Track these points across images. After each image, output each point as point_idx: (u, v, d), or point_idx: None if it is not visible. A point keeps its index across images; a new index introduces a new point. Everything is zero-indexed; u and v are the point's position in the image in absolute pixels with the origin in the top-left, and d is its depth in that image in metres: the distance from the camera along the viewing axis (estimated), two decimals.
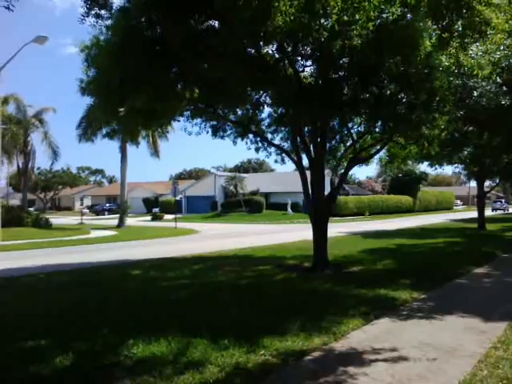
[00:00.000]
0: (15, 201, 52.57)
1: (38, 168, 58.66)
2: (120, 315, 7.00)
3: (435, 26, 9.26)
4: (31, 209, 48.73)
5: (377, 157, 13.94)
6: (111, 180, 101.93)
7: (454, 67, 9.91)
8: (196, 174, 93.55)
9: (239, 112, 12.67)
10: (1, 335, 5.98)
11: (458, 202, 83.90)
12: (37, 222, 30.83)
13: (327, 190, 11.80)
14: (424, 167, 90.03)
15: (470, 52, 10.26)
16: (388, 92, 10.46)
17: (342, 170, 13.41)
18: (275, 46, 10.07)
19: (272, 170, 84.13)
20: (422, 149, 13.01)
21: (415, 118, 10.43)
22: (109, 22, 8.95)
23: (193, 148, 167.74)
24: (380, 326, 6.46)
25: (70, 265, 13.04)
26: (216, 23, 9.20)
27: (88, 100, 11.74)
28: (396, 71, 9.72)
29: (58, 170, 64.76)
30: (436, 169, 27.13)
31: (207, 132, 12.55)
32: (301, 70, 10.93)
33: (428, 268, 11.70)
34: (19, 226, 28.16)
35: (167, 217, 44.63)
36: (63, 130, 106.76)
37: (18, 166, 38.29)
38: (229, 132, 12.84)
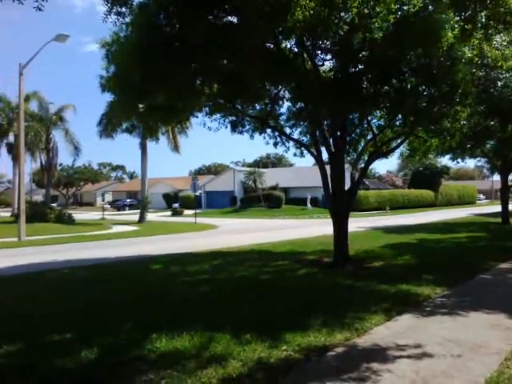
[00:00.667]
0: (39, 197, 53.64)
1: (61, 164, 59.77)
2: (142, 310, 7.09)
3: (458, 18, 9.10)
4: (54, 204, 49.64)
5: (398, 150, 13.79)
6: (132, 176, 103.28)
7: (477, 59, 9.73)
8: (215, 170, 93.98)
9: (258, 107, 12.64)
10: (27, 330, 6.09)
11: (481, 196, 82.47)
12: (60, 217, 31.37)
13: (347, 184, 11.71)
14: (445, 161, 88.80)
15: (494, 43, 10.06)
16: (409, 85, 10.33)
17: (363, 165, 13.30)
18: (294, 40, 10.02)
19: (291, 165, 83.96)
20: (443, 142, 12.83)
21: (436, 111, 10.28)
22: (129, 19, 9.01)
23: (212, 143, 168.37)
24: (403, 322, 6.41)
25: (93, 259, 13.25)
26: (235, 19, 9.20)
27: (108, 97, 11.88)
28: (417, 64, 9.58)
29: (79, 166, 65.88)
30: (458, 162, 26.70)
31: (226, 127, 12.57)
32: (320, 64, 10.86)
33: (451, 263, 11.54)
34: (43, 221, 28.74)
35: (187, 212, 44.92)
36: (84, 127, 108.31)
37: (41, 162, 38.95)
38: (247, 127, 12.83)
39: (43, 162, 38.61)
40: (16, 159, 32.17)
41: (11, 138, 36.73)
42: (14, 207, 35.60)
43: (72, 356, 4.99)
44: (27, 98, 33.08)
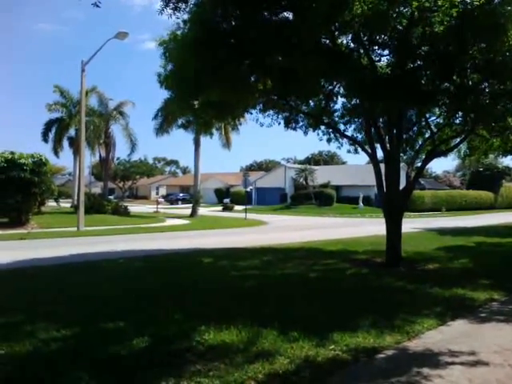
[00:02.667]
0: (97, 189, 55.88)
1: (118, 158, 61.93)
2: (191, 301, 7.21)
3: None
4: (111, 197, 51.54)
5: (454, 150, 13.26)
6: (185, 171, 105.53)
7: None
8: (266, 166, 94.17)
9: (311, 103, 12.52)
10: (83, 317, 6.34)
11: None
12: (116, 209, 32.55)
13: (402, 183, 11.39)
14: (508, 161, 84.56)
15: None
16: (470, 81, 9.89)
17: (419, 164, 12.89)
18: (351, 35, 9.83)
19: (343, 163, 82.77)
20: (506, 141, 12.22)
21: (500, 108, 9.80)
22: (186, 17, 9.17)
23: (263, 139, 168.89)
24: (457, 327, 6.17)
25: (147, 251, 13.65)
26: (290, 14, 9.15)
27: (165, 93, 12.17)
28: (480, 59, 9.15)
29: (135, 160, 67.81)
30: None
31: (279, 123, 12.53)
32: (377, 59, 10.60)
33: (510, 268, 10.99)
34: (100, 213, 29.93)
35: (237, 207, 45.37)
36: (139, 121, 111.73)
37: (100, 156, 40.57)
38: (301, 123, 12.74)
39: (102, 156, 40.19)
40: (77, 152, 33.67)
41: (72, 132, 38.46)
42: (73, 198, 37.29)
43: (124, 343, 5.14)
44: (86, 94, 34.44)
